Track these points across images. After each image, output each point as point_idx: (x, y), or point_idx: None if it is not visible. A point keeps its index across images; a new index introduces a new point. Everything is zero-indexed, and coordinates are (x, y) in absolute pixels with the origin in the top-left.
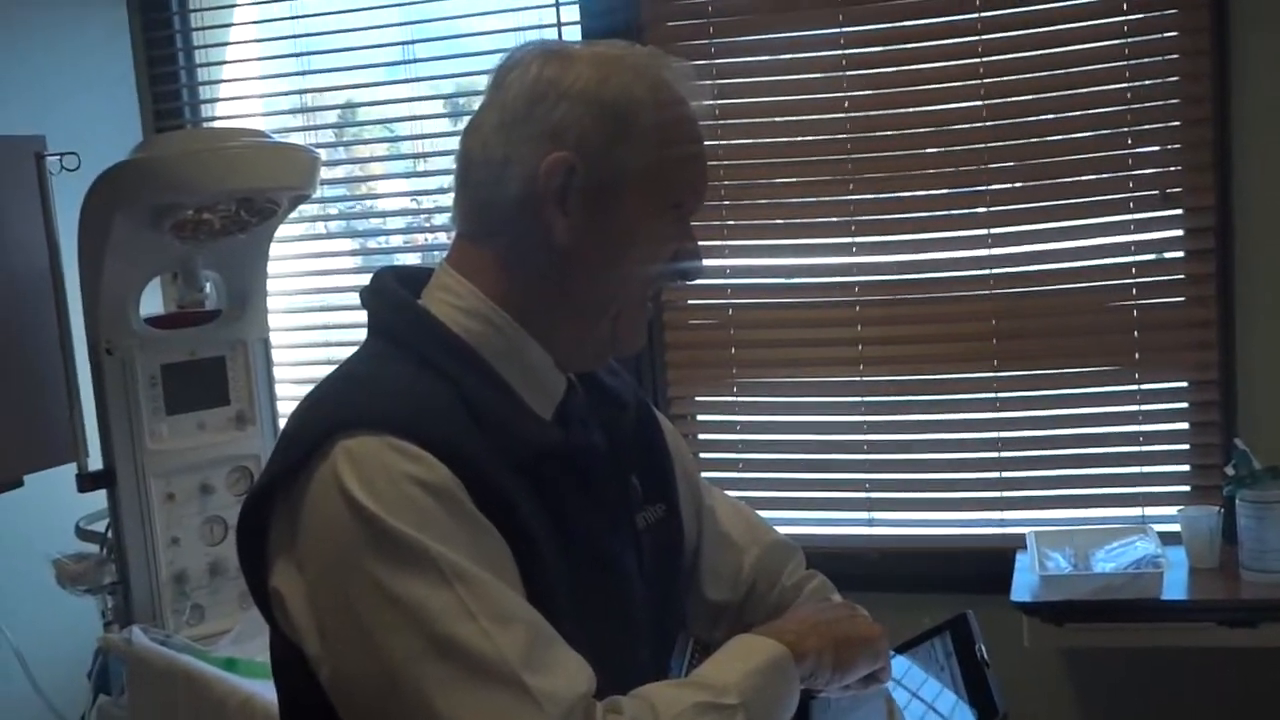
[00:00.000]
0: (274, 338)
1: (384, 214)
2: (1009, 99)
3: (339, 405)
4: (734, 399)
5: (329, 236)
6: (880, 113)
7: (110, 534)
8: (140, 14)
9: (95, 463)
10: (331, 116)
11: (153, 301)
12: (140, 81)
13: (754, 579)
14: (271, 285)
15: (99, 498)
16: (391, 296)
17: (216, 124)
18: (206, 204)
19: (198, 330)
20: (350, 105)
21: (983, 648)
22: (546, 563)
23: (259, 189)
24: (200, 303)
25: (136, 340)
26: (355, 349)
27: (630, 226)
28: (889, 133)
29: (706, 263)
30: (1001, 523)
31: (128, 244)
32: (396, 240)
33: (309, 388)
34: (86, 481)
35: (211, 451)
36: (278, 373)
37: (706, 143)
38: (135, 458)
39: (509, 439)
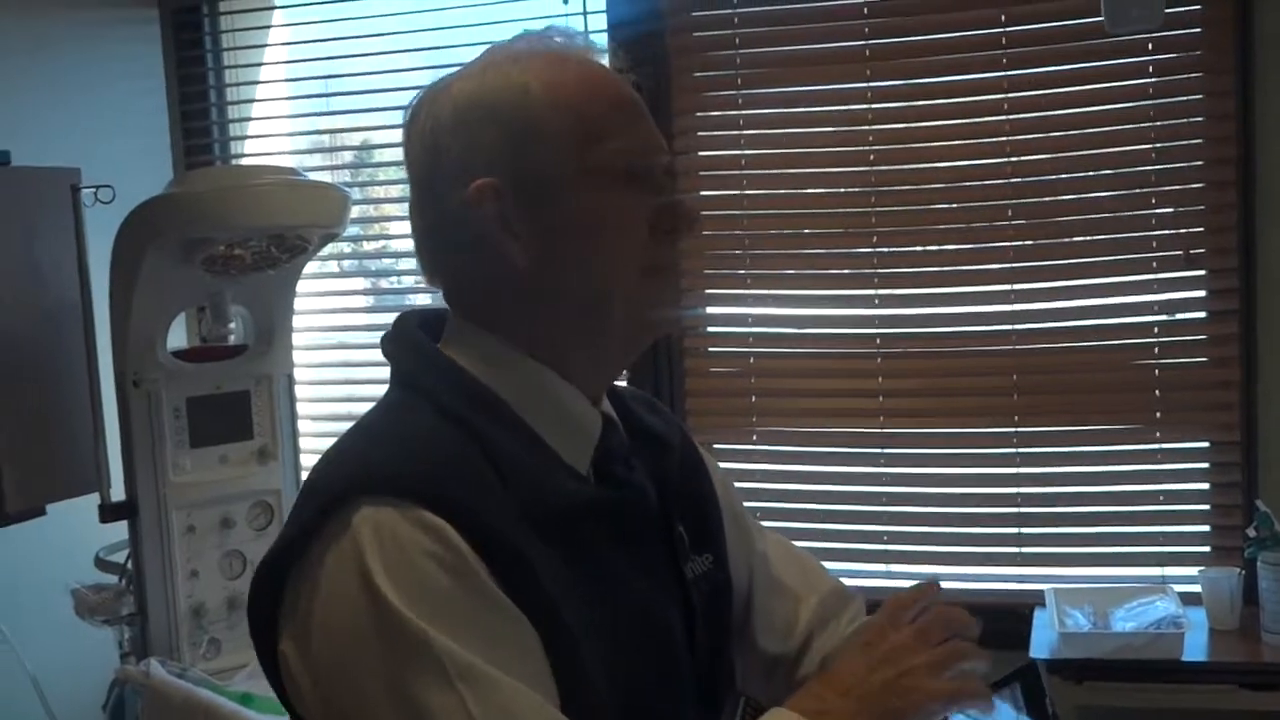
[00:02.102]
0: (303, 375)
1: (396, 254)
2: (1034, 156)
3: (359, 464)
4: (754, 447)
5: (343, 275)
6: (905, 167)
7: (130, 565)
8: (175, 52)
9: (117, 493)
10: (348, 156)
11: (177, 335)
12: (172, 118)
13: (810, 629)
14: (299, 323)
15: (119, 529)
16: (412, 344)
17: (244, 161)
18: (238, 240)
19: (223, 364)
20: (367, 146)
21: (1051, 700)
22: (574, 630)
23: (290, 226)
24: (224, 337)
25: (163, 373)
26: (377, 391)
27: (586, 217)
28: (913, 186)
29: (728, 310)
30: (1020, 578)
31: (158, 277)
32: (409, 280)
33: (327, 424)
34: (108, 512)
35: (233, 486)
36: (299, 409)
37: (636, 99)
38: (158, 490)
39: (538, 497)
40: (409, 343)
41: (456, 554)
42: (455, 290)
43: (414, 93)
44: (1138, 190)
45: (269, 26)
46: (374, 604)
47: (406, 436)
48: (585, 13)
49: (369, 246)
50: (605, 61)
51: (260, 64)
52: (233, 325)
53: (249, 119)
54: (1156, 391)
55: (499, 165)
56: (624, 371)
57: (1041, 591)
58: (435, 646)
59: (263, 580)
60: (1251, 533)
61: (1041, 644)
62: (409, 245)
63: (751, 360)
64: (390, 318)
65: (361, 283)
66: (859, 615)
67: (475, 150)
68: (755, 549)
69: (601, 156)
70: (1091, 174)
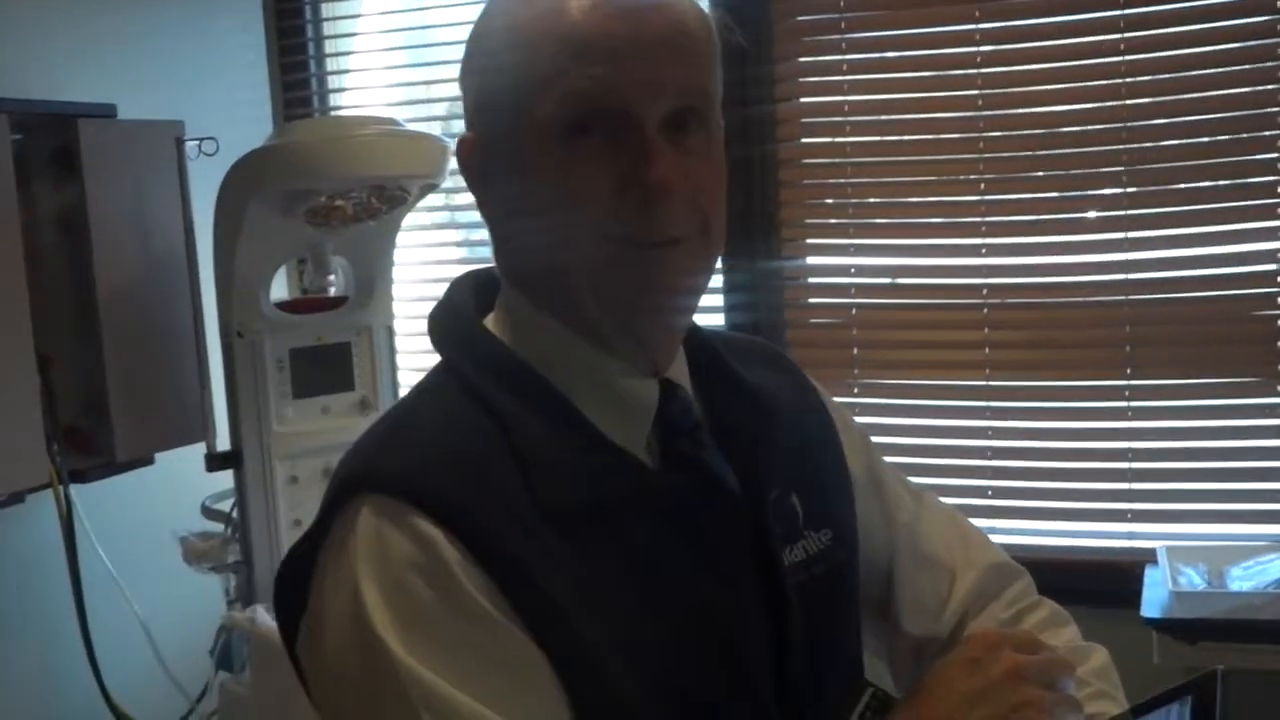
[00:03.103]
0: (404, 326)
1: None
2: (1150, 99)
3: (367, 458)
4: (855, 400)
5: (436, 228)
6: (1015, 111)
7: (235, 514)
8: (274, 4)
9: (223, 443)
10: (442, 109)
11: (278, 287)
12: (272, 71)
13: (964, 608)
14: (400, 275)
15: (225, 478)
16: (450, 312)
17: (343, 112)
18: (339, 190)
19: (325, 316)
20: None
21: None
22: (590, 640)
23: (391, 176)
24: (325, 289)
25: (266, 324)
26: None
27: (543, 173)
28: (1023, 132)
29: (830, 260)
30: (1131, 535)
31: (261, 229)
32: None
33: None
34: (215, 461)
35: (335, 436)
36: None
37: (621, 22)
38: (261, 440)
39: (566, 486)
40: (448, 310)
41: (444, 568)
42: (492, 245)
43: None
44: (1261, 133)
45: None
46: (357, 620)
47: (422, 425)
48: None
49: (459, 200)
50: None
51: (357, 15)
52: (333, 277)
53: (346, 71)
54: (1278, 343)
55: (473, 115)
56: (677, 333)
57: (1153, 549)
58: (402, 675)
59: (283, 576)
60: None
61: (1153, 603)
62: None
63: (854, 311)
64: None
65: (454, 235)
66: (1025, 593)
67: (466, 102)
68: (899, 520)
69: (544, 103)
70: (1210, 116)
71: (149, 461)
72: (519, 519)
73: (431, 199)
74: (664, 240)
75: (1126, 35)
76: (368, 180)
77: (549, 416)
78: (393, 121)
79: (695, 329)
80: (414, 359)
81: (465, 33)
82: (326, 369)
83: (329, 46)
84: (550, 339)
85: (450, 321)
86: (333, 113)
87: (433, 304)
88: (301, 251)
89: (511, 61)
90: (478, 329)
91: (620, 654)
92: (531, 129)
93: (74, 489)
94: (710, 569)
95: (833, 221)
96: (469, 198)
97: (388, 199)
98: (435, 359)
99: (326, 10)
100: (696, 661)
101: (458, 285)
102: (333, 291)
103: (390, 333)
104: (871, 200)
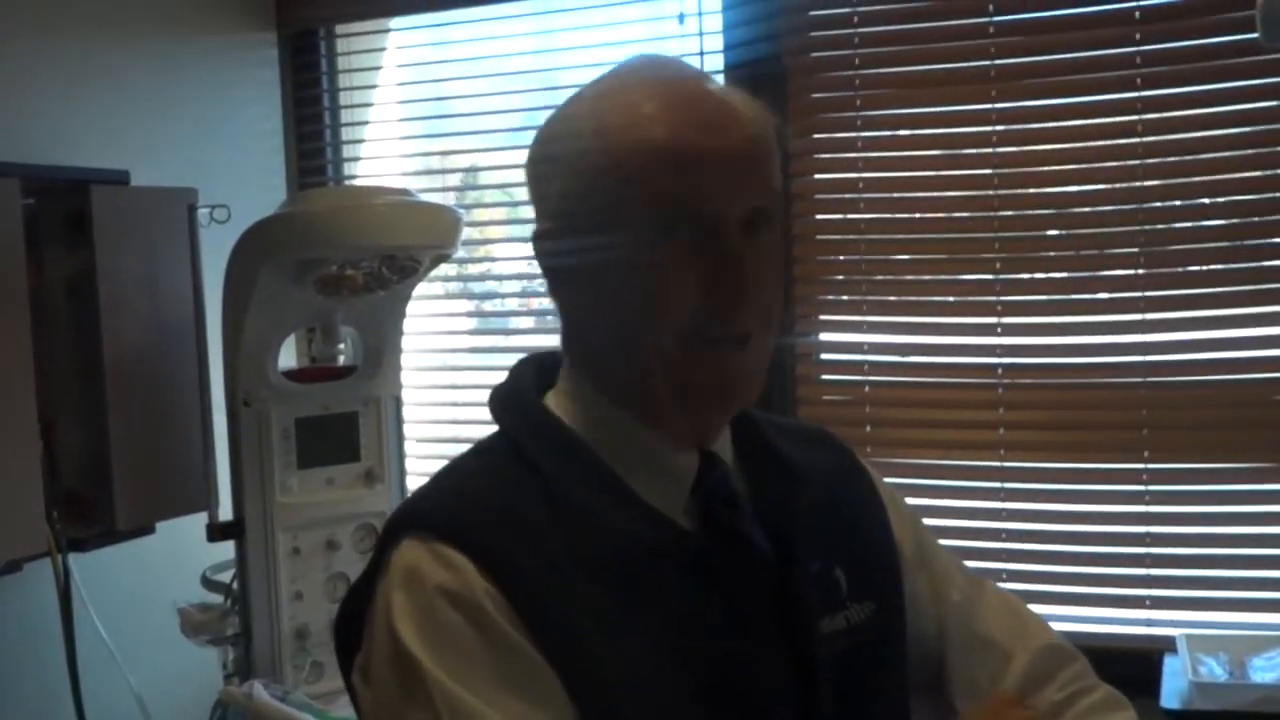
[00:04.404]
0: (412, 397)
1: (500, 277)
2: (1166, 180)
3: (412, 503)
4: None
5: (448, 297)
6: (1030, 191)
7: (235, 585)
8: (291, 75)
9: (225, 513)
10: (456, 179)
11: (285, 356)
12: (288, 140)
13: (1019, 690)
14: (410, 345)
15: (226, 548)
16: (509, 388)
17: (357, 182)
18: (351, 260)
19: (332, 385)
20: (474, 169)
21: None
22: (609, 681)
23: (403, 246)
24: (334, 358)
25: (273, 393)
26: (481, 414)
27: (628, 275)
28: (1038, 211)
29: (841, 337)
30: (1149, 622)
31: (271, 297)
32: (512, 304)
33: (434, 446)
34: (216, 531)
35: (339, 508)
36: (413, 432)
37: (716, 136)
38: (265, 510)
39: (596, 538)
40: (508, 386)
41: (471, 592)
42: (561, 329)
43: (524, 115)
44: (1271, 218)
45: (383, 49)
46: (391, 640)
47: (467, 476)
48: (701, 33)
49: (473, 270)
50: (717, 88)
51: (374, 86)
52: (342, 346)
53: (361, 141)
54: None
55: (553, 209)
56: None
57: (1172, 637)
58: (429, 681)
59: (342, 613)
60: None
61: (1173, 693)
62: (513, 268)
63: (866, 389)
64: (493, 340)
65: (466, 305)
66: (1079, 676)
67: (542, 192)
68: (949, 599)
69: (635, 206)
70: (1226, 199)
71: (150, 530)
72: (550, 562)
73: (443, 268)
74: (739, 335)
75: (1143, 117)
76: (379, 249)
77: (589, 477)
78: (405, 192)
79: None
80: (421, 429)
81: (482, 104)
82: (332, 439)
83: (345, 116)
84: (604, 415)
85: (509, 396)
86: (346, 182)
87: (438, 373)
88: (311, 320)
89: (602, 164)
90: (530, 400)
91: (636, 698)
92: (620, 229)
93: (72, 557)
94: (738, 630)
95: (845, 298)
96: (481, 267)
97: (399, 269)
98: (442, 429)
99: (344, 80)
100: (713, 716)
101: (521, 364)
102: (341, 361)
103: (398, 403)
104: (884, 278)
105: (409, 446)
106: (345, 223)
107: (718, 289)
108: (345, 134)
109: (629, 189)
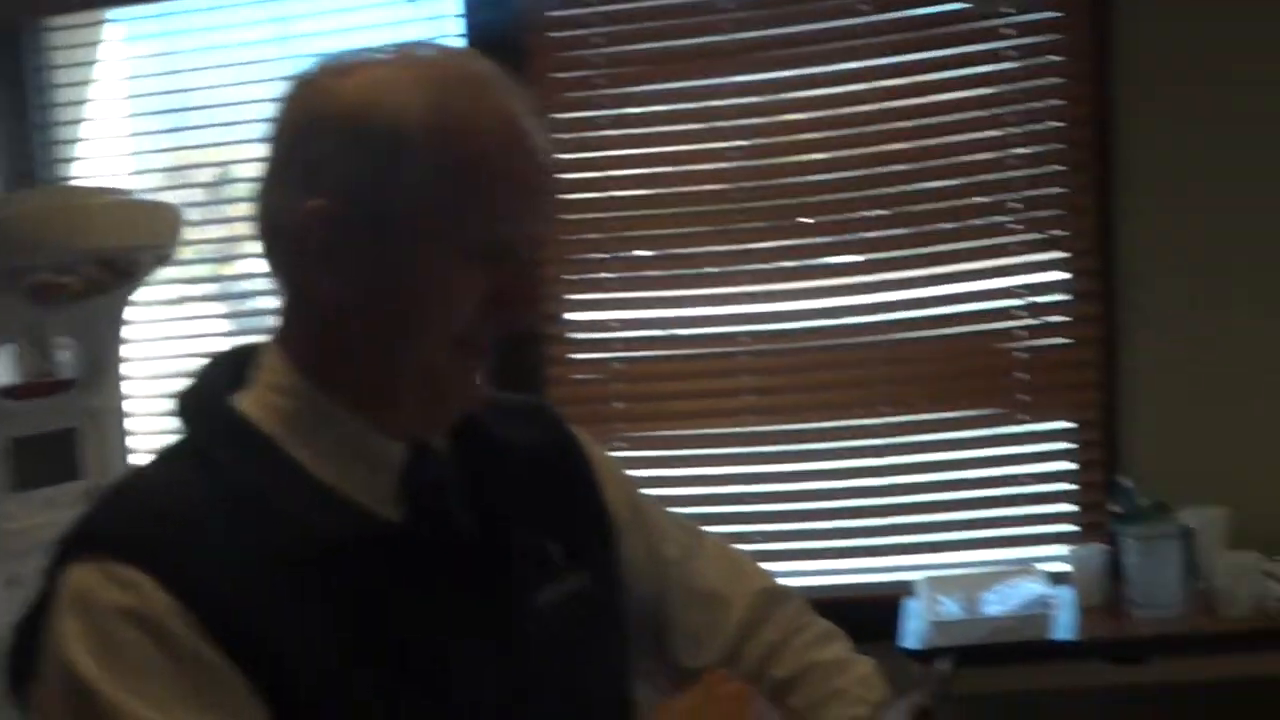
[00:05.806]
0: (139, 407)
1: (251, 275)
2: (892, 146)
3: (79, 523)
4: (621, 454)
5: (196, 300)
6: (765, 162)
7: None
8: None
9: None
10: (203, 179)
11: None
12: None
13: (739, 635)
14: (137, 353)
15: None
16: (190, 386)
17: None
18: (65, 264)
19: (48, 401)
20: (223, 164)
21: None
22: (308, 678)
23: (118, 247)
24: (49, 373)
25: None
26: None
27: (419, 280)
28: (773, 181)
29: (589, 316)
30: (894, 568)
31: None
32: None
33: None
34: None
35: (61, 531)
36: (139, 445)
37: (538, 162)
38: None
39: (285, 535)
40: (191, 386)
41: (151, 609)
42: (293, 312)
43: (269, 107)
44: (998, 174)
45: (102, 42)
46: (65, 673)
47: (139, 486)
48: (435, 18)
49: (227, 270)
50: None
51: (91, 81)
52: (56, 360)
53: (78, 140)
54: (1021, 374)
55: (331, 183)
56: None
57: (912, 581)
58: (110, 707)
59: (13, 649)
60: (1115, 509)
61: (911, 633)
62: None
63: (615, 366)
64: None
65: (219, 310)
66: (795, 616)
67: (333, 163)
68: (667, 557)
69: (464, 223)
70: (951, 160)
71: None
72: (236, 568)
73: (198, 270)
74: (499, 344)
75: (868, 85)
76: (92, 252)
77: (277, 475)
78: (121, 191)
79: None
80: (150, 441)
81: (223, 97)
82: (50, 458)
83: (64, 115)
84: (318, 408)
85: (191, 396)
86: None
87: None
88: (20, 332)
89: (429, 164)
90: (218, 399)
91: (331, 694)
92: (430, 234)
93: None
94: (442, 616)
95: (591, 276)
96: (243, 266)
97: (119, 272)
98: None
99: (62, 77)
100: (410, 707)
101: (210, 362)
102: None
103: (121, 415)
104: (630, 254)
105: (135, 460)
106: (51, 224)
107: (510, 305)
108: (65, 134)
109: (459, 198)
